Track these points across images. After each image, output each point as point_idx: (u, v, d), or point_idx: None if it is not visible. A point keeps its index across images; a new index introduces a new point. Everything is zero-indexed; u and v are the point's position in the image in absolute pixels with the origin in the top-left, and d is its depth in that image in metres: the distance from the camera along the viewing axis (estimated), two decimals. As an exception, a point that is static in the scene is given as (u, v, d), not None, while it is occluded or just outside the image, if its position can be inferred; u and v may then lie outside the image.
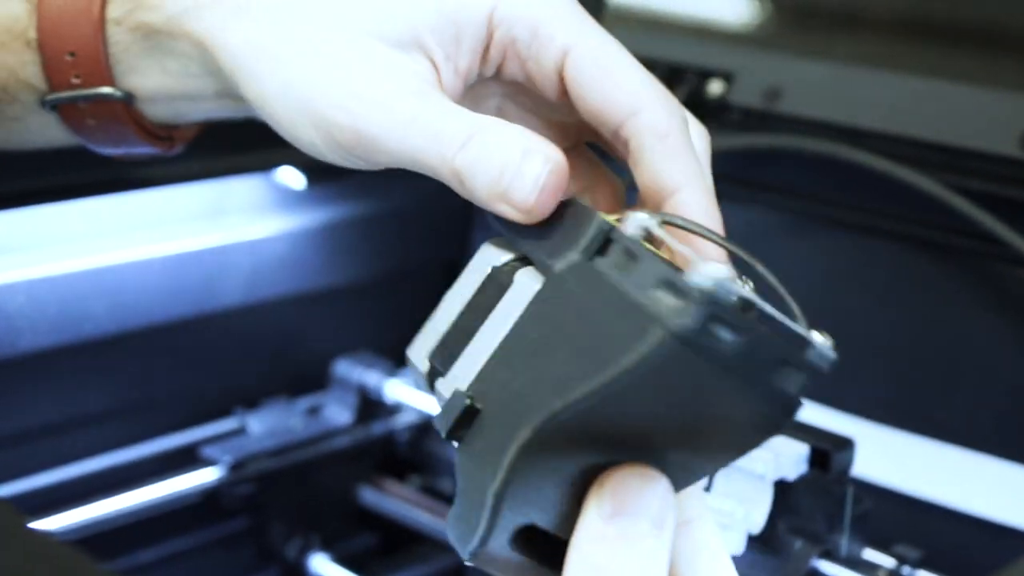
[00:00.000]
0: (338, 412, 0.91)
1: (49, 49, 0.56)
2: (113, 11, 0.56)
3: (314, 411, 0.92)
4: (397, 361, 0.94)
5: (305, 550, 0.89)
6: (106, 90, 0.56)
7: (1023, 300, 0.74)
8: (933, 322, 0.78)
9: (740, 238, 0.85)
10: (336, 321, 0.96)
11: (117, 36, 0.56)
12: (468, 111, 0.49)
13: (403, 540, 0.95)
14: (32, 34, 0.56)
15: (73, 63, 0.56)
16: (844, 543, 0.70)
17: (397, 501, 0.91)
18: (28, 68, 0.57)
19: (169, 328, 0.85)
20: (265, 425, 0.89)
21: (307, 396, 0.94)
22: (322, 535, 0.90)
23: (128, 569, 0.86)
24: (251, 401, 0.91)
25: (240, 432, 0.89)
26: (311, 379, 0.94)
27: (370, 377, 0.91)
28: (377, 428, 0.92)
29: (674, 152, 0.50)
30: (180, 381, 0.89)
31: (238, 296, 0.89)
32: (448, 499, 0.94)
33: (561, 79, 0.51)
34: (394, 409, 0.92)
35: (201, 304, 0.87)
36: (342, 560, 0.89)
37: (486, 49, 0.52)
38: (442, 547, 0.92)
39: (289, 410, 0.91)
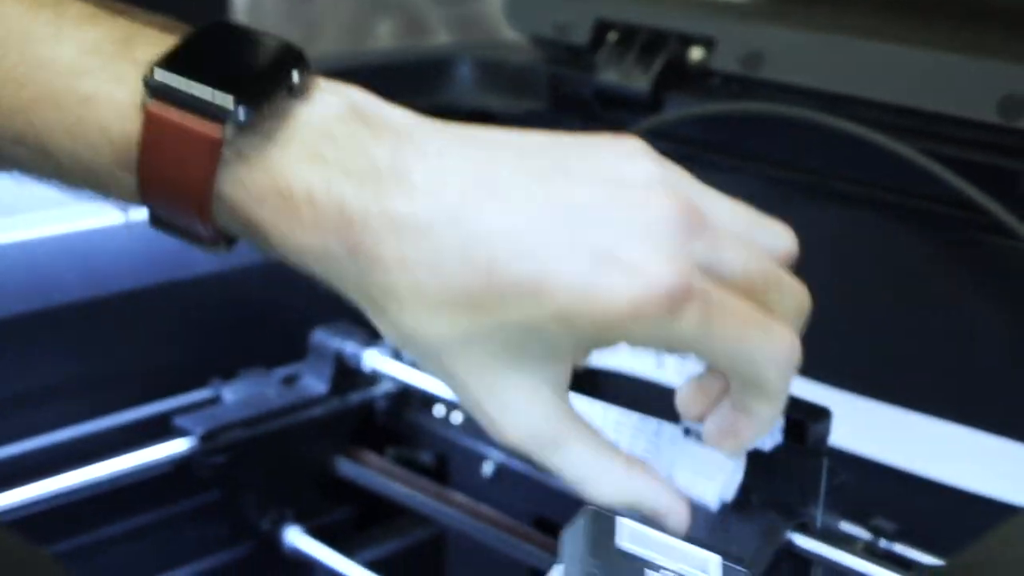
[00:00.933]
0: (315, 382, 0.90)
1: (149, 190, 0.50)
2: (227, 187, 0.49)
3: (290, 381, 0.91)
4: (375, 331, 0.92)
5: (279, 522, 0.88)
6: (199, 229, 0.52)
7: (1002, 268, 0.73)
8: (912, 291, 0.77)
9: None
10: (313, 290, 0.94)
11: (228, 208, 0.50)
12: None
13: (380, 512, 0.94)
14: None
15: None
16: (819, 515, 0.69)
17: (374, 472, 0.90)
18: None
19: (141, 296, 0.84)
20: (240, 395, 0.88)
21: (284, 367, 0.93)
22: (297, 507, 0.89)
23: (99, 541, 0.85)
24: (227, 372, 0.90)
25: (214, 402, 0.88)
26: (288, 349, 0.93)
27: (348, 346, 0.90)
28: (354, 398, 0.91)
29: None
30: (153, 351, 0.88)
31: (212, 263, 0.88)
32: (426, 470, 0.93)
33: None
34: (372, 379, 0.91)
35: (174, 271, 0.86)
36: (317, 532, 0.88)
37: None
38: (420, 519, 0.91)
39: (265, 380, 0.90)
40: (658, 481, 0.56)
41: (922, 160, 0.72)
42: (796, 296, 0.53)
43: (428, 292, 0.48)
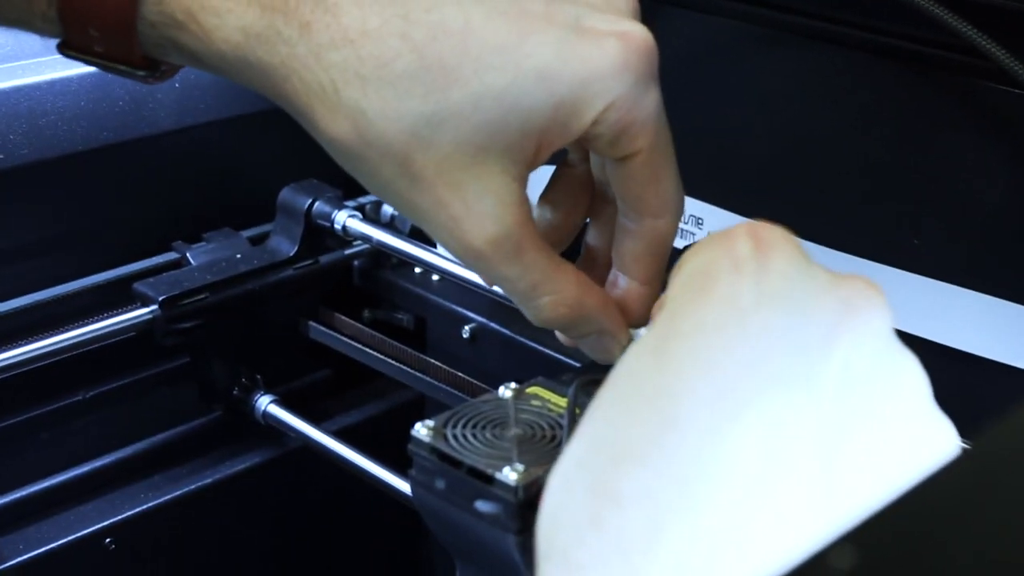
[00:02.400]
0: (283, 243, 0.86)
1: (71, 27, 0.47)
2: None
3: (258, 242, 0.87)
4: (346, 189, 0.89)
5: (250, 389, 0.85)
6: (125, 68, 0.47)
7: (1006, 119, 0.69)
8: (910, 142, 0.73)
9: (707, 48, 0.81)
10: (281, 147, 0.90)
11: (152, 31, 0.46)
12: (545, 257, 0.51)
13: (354, 377, 0.91)
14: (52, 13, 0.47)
15: (97, 38, 0.47)
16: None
17: (346, 337, 0.87)
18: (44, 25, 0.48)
19: (96, 156, 0.80)
20: (205, 258, 0.84)
21: (252, 228, 0.89)
22: (268, 373, 0.85)
23: (67, 409, 0.83)
24: (193, 235, 0.86)
25: (178, 265, 0.84)
26: (256, 210, 0.89)
27: (318, 205, 0.86)
28: (326, 260, 0.87)
29: (663, 254, 0.54)
30: (114, 214, 0.84)
31: (170, 119, 0.83)
32: (402, 332, 0.90)
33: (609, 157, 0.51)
34: (345, 240, 0.87)
35: (131, 128, 0.81)
36: (290, 399, 0.85)
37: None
38: (396, 384, 0.88)
39: (231, 243, 0.86)
40: (608, 302, 0.54)
41: (926, 4, 0.67)
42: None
43: (398, 63, 0.44)
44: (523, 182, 0.49)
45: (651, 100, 0.47)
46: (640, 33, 0.47)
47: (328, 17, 0.44)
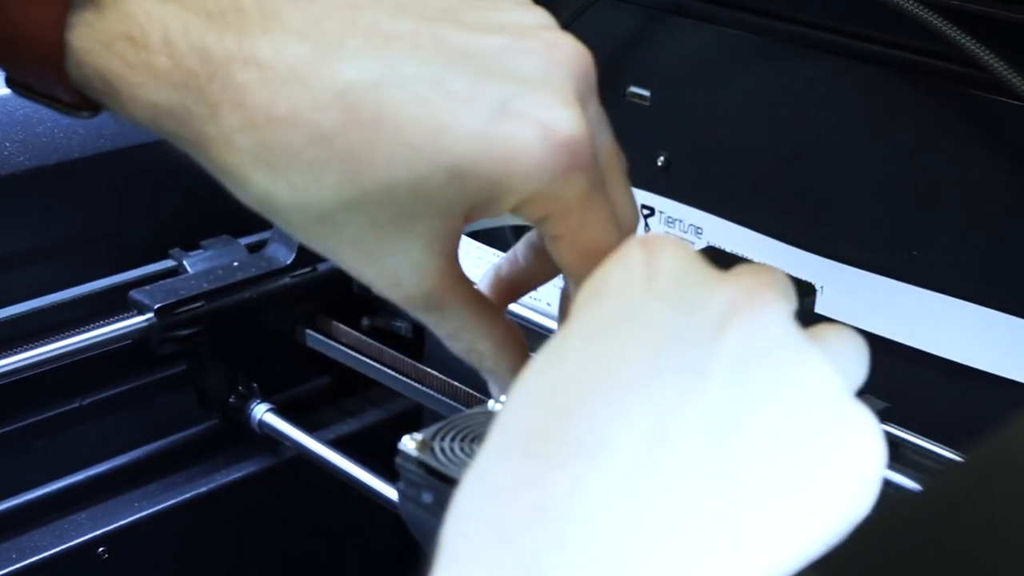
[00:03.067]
0: (281, 251, 0.85)
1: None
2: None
3: (256, 250, 0.87)
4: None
5: (246, 398, 0.84)
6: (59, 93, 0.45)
7: (1006, 130, 0.68)
8: (909, 154, 0.72)
9: (708, 58, 0.80)
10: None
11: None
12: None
13: (351, 385, 0.91)
14: None
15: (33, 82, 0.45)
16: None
17: (345, 344, 0.87)
18: None
19: (93, 164, 0.79)
20: (202, 266, 0.84)
21: (250, 236, 0.89)
22: (265, 382, 0.85)
23: (62, 416, 0.82)
24: (190, 242, 0.86)
25: (175, 273, 0.84)
26: (254, 217, 0.88)
27: (317, 214, 0.85)
28: (323, 267, 0.87)
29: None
30: (111, 221, 0.83)
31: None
32: (401, 340, 0.89)
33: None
34: (342, 247, 0.86)
35: (130, 136, 0.81)
36: (287, 408, 0.85)
37: None
38: (393, 393, 0.88)
39: (229, 250, 0.85)
40: (522, 361, 0.52)
41: (924, 13, 0.67)
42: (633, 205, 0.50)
43: (305, 154, 0.42)
44: (445, 250, 0.48)
45: (573, 192, 0.45)
46: (565, 126, 0.43)
47: (237, 98, 0.42)
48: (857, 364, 0.41)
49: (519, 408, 0.38)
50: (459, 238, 0.48)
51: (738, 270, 0.40)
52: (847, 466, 0.36)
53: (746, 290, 0.38)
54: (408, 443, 0.54)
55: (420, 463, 0.53)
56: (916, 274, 0.72)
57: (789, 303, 0.39)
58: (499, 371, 0.52)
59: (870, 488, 0.37)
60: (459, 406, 0.81)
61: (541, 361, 0.38)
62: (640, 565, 0.33)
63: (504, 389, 0.54)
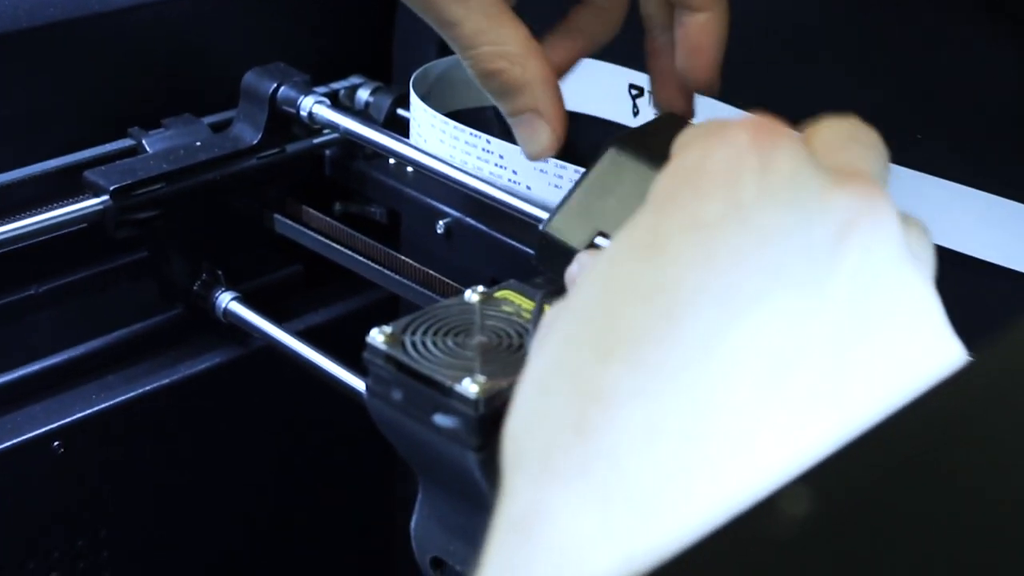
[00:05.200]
0: (247, 131, 0.80)
1: None
2: None
3: (220, 129, 0.82)
4: (315, 74, 0.83)
5: (212, 286, 0.80)
6: None
7: (1007, 7, 0.64)
8: (912, 30, 0.68)
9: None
10: (247, 27, 0.85)
11: None
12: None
13: (323, 274, 0.86)
14: None
15: None
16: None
17: (316, 231, 0.82)
18: None
19: (41, 33, 0.74)
20: (162, 145, 0.79)
21: (214, 115, 0.83)
22: (231, 269, 0.81)
23: (13, 304, 0.78)
24: (151, 121, 0.81)
25: (134, 153, 0.79)
26: (218, 96, 0.83)
27: (284, 90, 0.80)
28: (292, 148, 0.82)
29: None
30: (63, 97, 0.78)
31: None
32: (375, 226, 0.85)
33: None
34: (311, 128, 0.82)
35: (80, 3, 0.76)
36: (254, 297, 0.80)
37: None
38: (366, 282, 0.84)
39: (191, 129, 0.80)
40: (552, 81, 0.53)
41: None
42: None
43: None
44: None
45: None
46: None
47: None
48: (932, 262, 0.40)
49: (604, 305, 0.34)
50: None
51: (848, 174, 0.37)
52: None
53: (864, 199, 0.36)
54: (377, 336, 0.50)
55: (389, 358, 0.50)
56: (919, 159, 0.68)
57: (896, 212, 0.37)
58: (529, 80, 0.51)
59: None
60: (436, 296, 0.77)
61: (626, 244, 0.35)
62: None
63: (534, 139, 0.52)
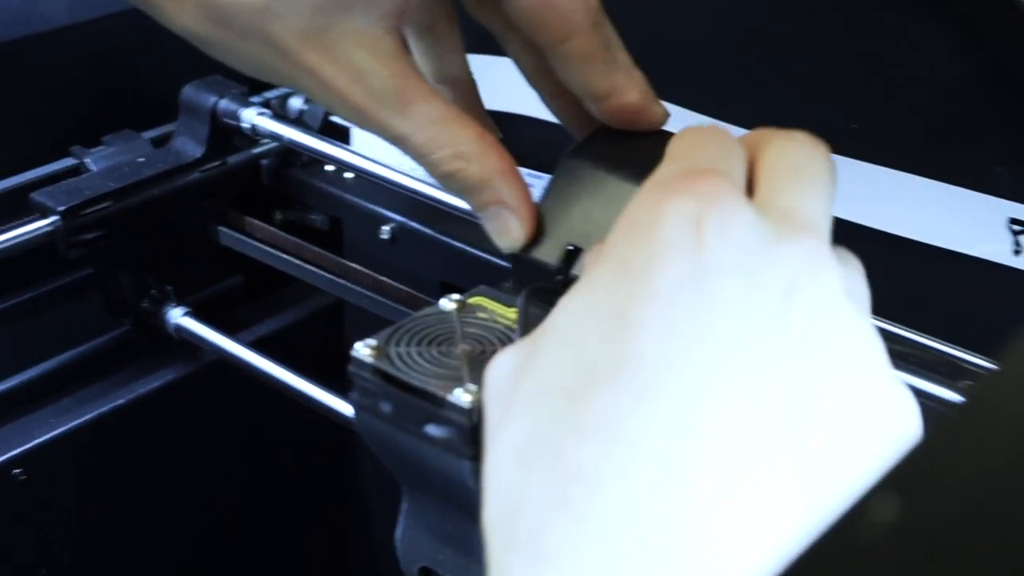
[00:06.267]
0: (189, 144, 0.80)
1: None
2: None
3: (161, 144, 0.82)
4: (252, 85, 0.84)
5: (160, 302, 0.80)
6: None
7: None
8: (847, 19, 0.70)
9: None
10: (182, 42, 0.84)
11: None
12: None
13: (268, 284, 0.86)
14: None
15: None
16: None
17: (258, 242, 0.82)
18: None
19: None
20: (105, 163, 0.78)
21: (154, 129, 0.83)
22: (179, 284, 0.81)
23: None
24: (90, 139, 0.80)
25: (77, 172, 0.79)
26: (157, 110, 0.83)
27: (224, 103, 0.80)
28: (234, 160, 0.82)
29: (602, 62, 0.52)
30: (3, 119, 0.78)
31: (62, 15, 0.77)
32: (317, 234, 0.86)
33: None
34: (251, 139, 0.82)
35: (20, 26, 0.75)
36: (202, 310, 0.80)
37: None
38: (311, 290, 0.84)
39: (132, 145, 0.80)
40: (513, 171, 0.51)
41: None
42: None
43: None
44: (396, 32, 0.48)
45: None
46: None
47: None
48: (868, 297, 0.42)
49: (573, 378, 0.35)
50: (405, 18, 0.48)
51: (788, 228, 0.37)
52: (892, 439, 0.36)
53: (805, 254, 0.37)
54: (362, 350, 0.51)
55: (376, 370, 0.50)
56: (855, 147, 0.70)
57: (834, 261, 0.38)
58: (488, 175, 0.50)
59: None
60: (384, 300, 0.78)
61: (588, 307, 0.36)
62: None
63: (505, 230, 0.52)
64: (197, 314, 0.80)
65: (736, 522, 0.32)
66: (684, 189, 0.37)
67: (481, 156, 0.50)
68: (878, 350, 0.37)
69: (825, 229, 0.40)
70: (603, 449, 0.33)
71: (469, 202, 0.53)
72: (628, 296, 0.35)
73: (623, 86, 0.52)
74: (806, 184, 0.41)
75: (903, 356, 0.61)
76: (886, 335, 0.63)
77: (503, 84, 0.79)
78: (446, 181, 0.51)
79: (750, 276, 0.36)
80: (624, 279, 0.36)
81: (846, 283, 0.38)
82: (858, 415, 0.35)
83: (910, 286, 0.70)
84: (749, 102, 0.73)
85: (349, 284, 0.79)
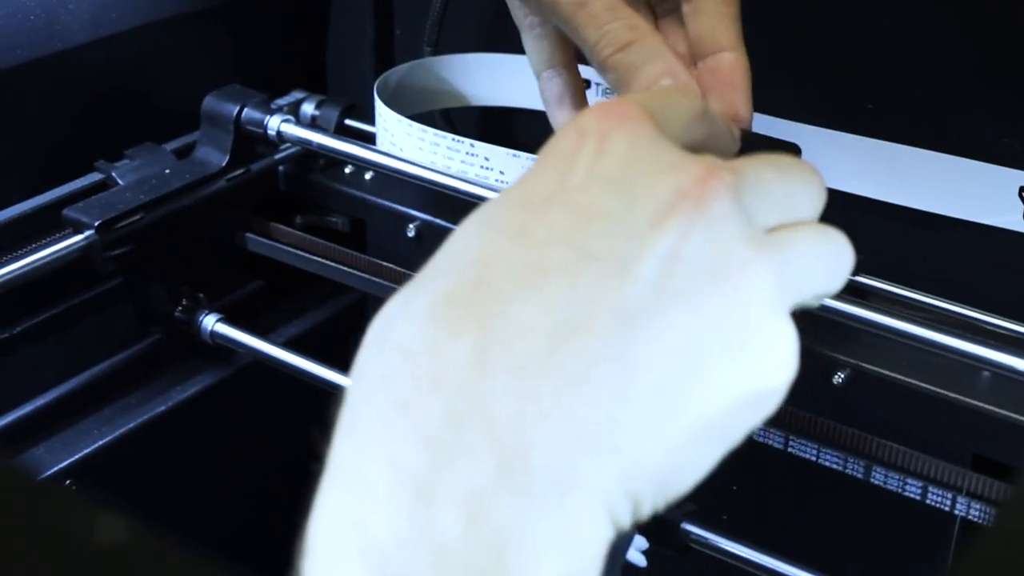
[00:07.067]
0: (213, 154, 0.82)
1: None
2: None
3: (183, 155, 0.83)
4: (271, 92, 0.85)
5: (193, 310, 0.81)
6: None
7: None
8: (867, 12, 0.71)
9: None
10: (201, 53, 0.86)
11: None
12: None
13: (293, 286, 0.88)
14: None
15: None
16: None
17: (286, 244, 0.84)
18: None
19: (5, 77, 0.74)
20: (132, 176, 0.79)
21: (174, 141, 0.84)
22: (208, 290, 0.82)
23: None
24: (113, 153, 0.81)
25: (105, 187, 0.80)
26: (179, 121, 0.84)
27: (247, 112, 0.81)
28: (257, 167, 0.83)
29: (734, 18, 0.58)
30: (29, 137, 0.78)
31: (82, 34, 0.78)
32: (339, 236, 0.87)
33: None
34: (273, 145, 0.83)
35: (42, 45, 0.76)
36: (233, 314, 0.82)
37: None
38: (337, 288, 0.86)
39: (156, 157, 0.81)
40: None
41: None
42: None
43: None
44: None
45: None
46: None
47: None
48: (818, 274, 0.41)
49: (438, 267, 0.37)
50: None
51: (695, 159, 0.38)
52: (749, 382, 0.36)
53: (695, 182, 0.37)
54: None
55: None
56: (873, 127, 0.72)
57: (738, 198, 0.37)
58: (661, 48, 0.55)
59: (765, 406, 0.37)
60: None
61: (474, 221, 0.38)
62: (525, 445, 0.33)
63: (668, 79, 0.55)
64: (228, 317, 0.81)
65: (539, 404, 0.34)
66: (590, 111, 0.39)
67: (651, 31, 0.55)
68: (761, 293, 0.37)
69: (756, 179, 0.39)
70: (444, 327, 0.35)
71: (637, 78, 0.55)
72: (505, 202, 0.37)
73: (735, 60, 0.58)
74: (767, 162, 0.41)
75: (925, 322, 0.63)
76: (916, 304, 0.66)
77: (509, 81, 0.80)
78: (622, 53, 0.55)
79: (627, 194, 0.36)
80: (511, 189, 0.38)
81: (750, 220, 0.38)
82: (709, 336, 0.36)
83: (928, 257, 0.72)
84: (765, 88, 0.75)
85: (378, 279, 0.80)
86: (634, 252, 0.35)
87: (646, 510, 0.36)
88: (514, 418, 0.33)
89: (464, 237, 0.37)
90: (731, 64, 0.57)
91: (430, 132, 0.75)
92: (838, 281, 0.42)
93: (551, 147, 0.38)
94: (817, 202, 0.42)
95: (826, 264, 0.41)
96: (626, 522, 0.35)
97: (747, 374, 0.36)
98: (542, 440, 0.33)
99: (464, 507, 0.33)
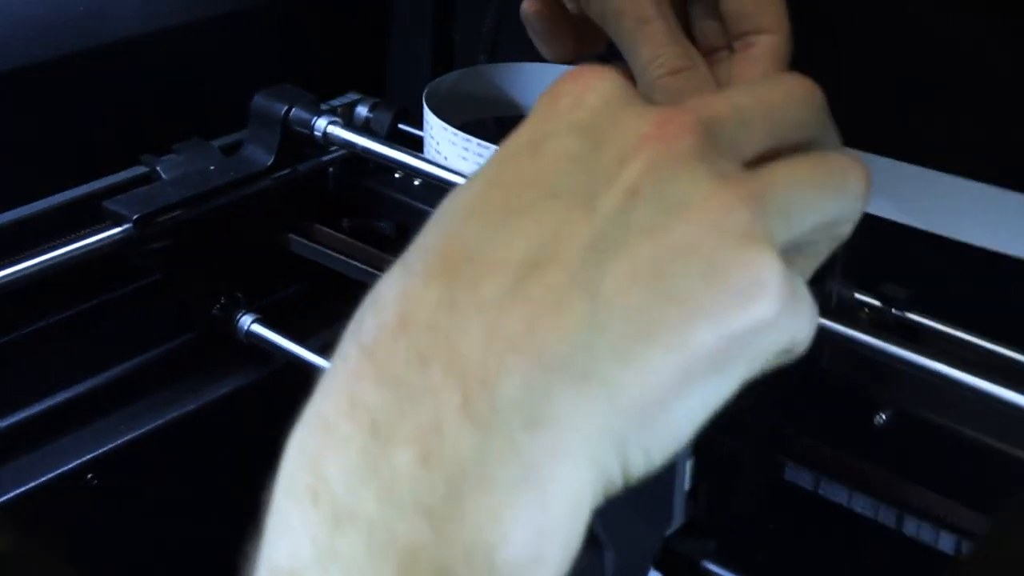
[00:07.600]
0: (260, 153, 0.81)
1: None
2: None
3: (230, 152, 0.82)
4: (321, 93, 0.84)
5: (231, 309, 0.80)
6: None
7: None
8: (913, 25, 0.69)
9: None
10: (256, 51, 0.85)
11: None
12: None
13: (335, 290, 0.87)
14: None
15: None
16: (835, 288, 0.63)
17: (331, 248, 0.83)
18: None
19: (54, 66, 0.74)
20: (177, 171, 0.79)
21: (222, 137, 0.84)
22: (248, 290, 0.81)
23: (33, 334, 0.78)
24: (161, 147, 0.81)
25: (148, 180, 0.79)
26: (228, 118, 0.84)
27: (295, 111, 0.80)
28: (303, 168, 0.83)
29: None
30: (74, 127, 0.78)
31: (135, 24, 0.78)
32: (384, 241, 0.86)
33: None
34: (321, 146, 0.82)
35: (90, 35, 0.76)
36: (272, 316, 0.81)
37: None
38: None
39: (203, 153, 0.81)
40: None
41: None
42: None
43: None
44: None
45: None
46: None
47: None
48: (811, 200, 0.39)
49: (426, 230, 0.38)
50: None
51: (667, 109, 0.39)
52: (727, 311, 0.35)
53: (658, 123, 0.38)
54: None
55: None
56: (912, 152, 0.70)
57: (706, 135, 0.38)
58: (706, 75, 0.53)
59: (754, 342, 0.36)
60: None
61: (459, 186, 0.39)
62: (492, 378, 0.33)
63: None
64: (267, 320, 0.80)
65: (507, 343, 0.34)
66: (570, 74, 0.40)
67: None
68: (734, 222, 0.36)
69: (732, 112, 0.39)
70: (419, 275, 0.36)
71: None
72: (489, 159, 0.39)
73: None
74: (743, 91, 0.41)
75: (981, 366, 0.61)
76: (963, 344, 0.63)
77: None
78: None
79: (595, 140, 0.37)
80: (494, 153, 0.39)
81: (726, 155, 0.38)
82: (676, 263, 0.35)
83: (993, 299, 0.70)
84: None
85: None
86: (599, 188, 0.36)
87: (636, 460, 0.35)
88: (480, 352, 0.34)
89: (449, 199, 0.38)
90: (771, 48, 0.52)
91: (474, 142, 0.73)
92: (842, 206, 0.40)
93: (531, 110, 0.40)
94: (808, 114, 0.41)
95: (820, 189, 0.40)
96: (613, 471, 0.35)
97: (724, 303, 0.36)
98: (509, 371, 0.33)
99: (420, 443, 0.33)
